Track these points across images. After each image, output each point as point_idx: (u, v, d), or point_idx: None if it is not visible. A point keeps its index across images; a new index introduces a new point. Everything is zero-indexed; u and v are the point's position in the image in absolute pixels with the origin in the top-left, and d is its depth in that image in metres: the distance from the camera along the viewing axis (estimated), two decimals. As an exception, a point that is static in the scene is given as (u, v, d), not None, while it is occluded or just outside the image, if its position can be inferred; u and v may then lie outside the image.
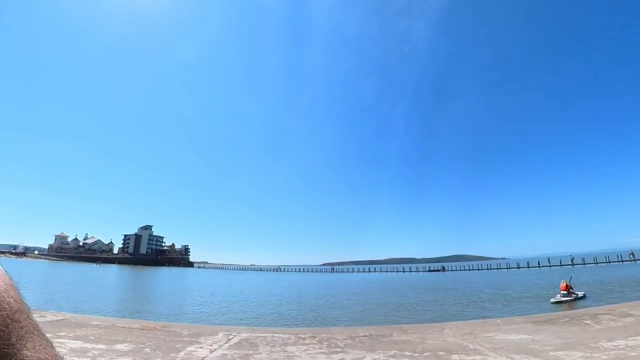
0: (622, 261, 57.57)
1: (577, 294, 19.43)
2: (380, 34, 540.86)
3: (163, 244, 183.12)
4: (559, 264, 61.22)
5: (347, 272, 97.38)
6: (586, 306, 13.31)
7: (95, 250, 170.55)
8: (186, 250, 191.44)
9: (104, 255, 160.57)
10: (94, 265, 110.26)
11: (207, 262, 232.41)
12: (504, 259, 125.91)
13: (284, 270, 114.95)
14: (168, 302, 25.27)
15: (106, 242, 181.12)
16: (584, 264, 58.73)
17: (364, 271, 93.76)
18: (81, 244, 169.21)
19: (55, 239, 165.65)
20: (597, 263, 58.78)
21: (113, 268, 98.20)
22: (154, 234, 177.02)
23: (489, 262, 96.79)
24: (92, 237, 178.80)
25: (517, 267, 67.77)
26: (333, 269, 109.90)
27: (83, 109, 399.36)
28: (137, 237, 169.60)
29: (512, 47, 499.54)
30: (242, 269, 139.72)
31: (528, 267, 65.65)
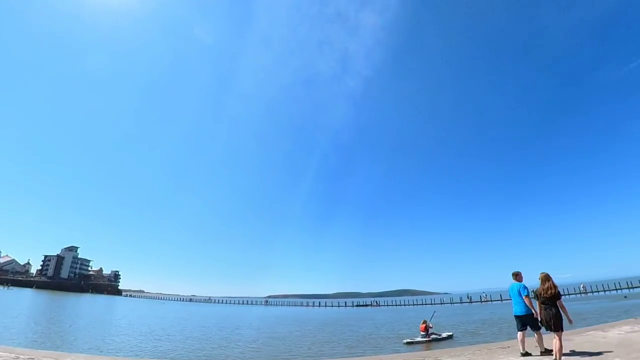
0: (569, 294, 57.09)
1: (438, 335, 18.10)
2: (304, 98, 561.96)
3: (89, 268, 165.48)
4: (490, 300, 61.95)
5: (279, 305, 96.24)
6: (441, 348, 12.83)
7: (7, 271, 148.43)
8: (116, 276, 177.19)
9: (18, 278, 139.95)
10: (1, 287, 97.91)
11: (143, 291, 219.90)
12: (447, 293, 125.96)
13: (215, 302, 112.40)
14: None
15: (22, 263, 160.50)
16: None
17: (294, 305, 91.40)
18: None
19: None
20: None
21: (26, 292, 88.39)
22: (79, 256, 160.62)
23: (432, 297, 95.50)
24: (7, 255, 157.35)
25: (451, 302, 66.16)
26: (267, 301, 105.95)
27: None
28: (59, 259, 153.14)
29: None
30: (182, 300, 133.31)
31: (470, 301, 65.28)
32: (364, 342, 18.71)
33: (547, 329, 6.66)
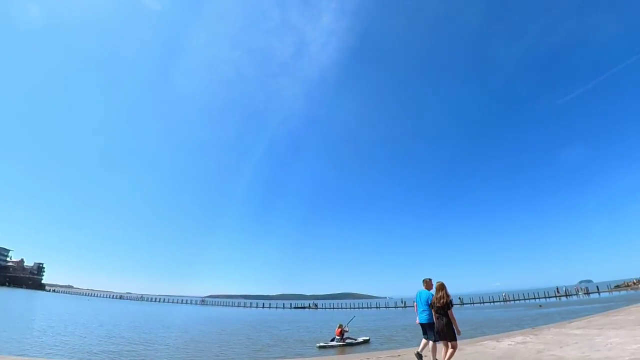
0: (493, 302, 60.68)
1: (354, 339, 17.65)
2: (256, 79, 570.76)
3: (7, 259, 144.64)
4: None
5: (216, 305, 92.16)
6: (356, 352, 12.64)
7: None
8: (39, 269, 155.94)
9: None
10: None
11: (72, 287, 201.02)
12: (386, 298, 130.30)
13: (148, 300, 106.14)
14: None
15: None
16: (462, 303, 61.50)
17: (233, 305, 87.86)
18: None
19: None
20: (462, 304, 61.42)
21: None
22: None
23: (370, 301, 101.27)
24: None
25: (386, 307, 68.49)
26: (204, 301, 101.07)
27: None
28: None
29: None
30: (113, 297, 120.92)
31: (405, 306, 66.03)
32: (277, 345, 17.83)
33: (437, 339, 6.40)
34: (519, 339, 9.11)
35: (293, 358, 12.93)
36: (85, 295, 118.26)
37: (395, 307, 66.81)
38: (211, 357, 13.84)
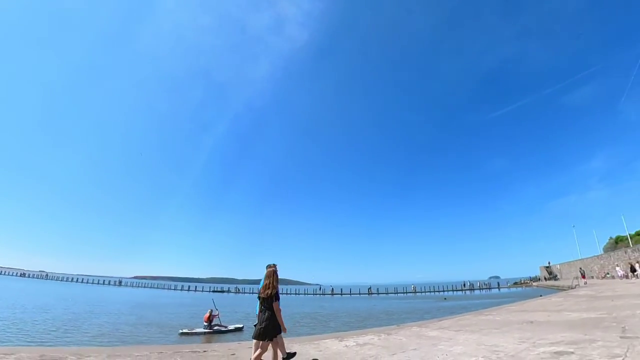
0: (406, 293, 63.29)
1: (224, 327, 16.37)
2: (225, 49, 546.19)
3: None
4: (349, 293, 65.12)
5: (135, 286, 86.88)
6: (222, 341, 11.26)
7: None
8: None
9: None
10: None
11: None
12: (318, 285, 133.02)
13: (54, 279, 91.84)
14: None
15: None
16: (378, 293, 64.33)
17: (153, 287, 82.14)
18: None
19: None
20: (370, 294, 63.74)
21: None
22: None
23: (298, 287, 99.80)
24: None
25: (314, 293, 68.96)
26: (121, 282, 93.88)
27: None
28: None
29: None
30: (10, 274, 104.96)
31: (331, 293, 66.79)
32: (136, 329, 15.84)
33: (254, 337, 4.96)
34: (367, 338, 7.70)
35: (133, 345, 11.10)
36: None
37: (322, 294, 67.09)
38: (47, 337, 12.21)
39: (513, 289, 58.49)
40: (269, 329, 4.78)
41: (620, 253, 36.50)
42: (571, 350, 4.97)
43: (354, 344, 7.07)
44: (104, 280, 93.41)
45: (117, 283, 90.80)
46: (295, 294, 67.84)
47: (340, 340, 7.53)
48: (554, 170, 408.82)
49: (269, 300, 4.90)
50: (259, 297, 5.13)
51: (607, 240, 49.18)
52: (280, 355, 5.13)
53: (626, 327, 6.63)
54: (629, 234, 41.10)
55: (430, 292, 62.75)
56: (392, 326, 10.50)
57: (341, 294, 64.65)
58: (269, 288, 4.95)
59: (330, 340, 7.67)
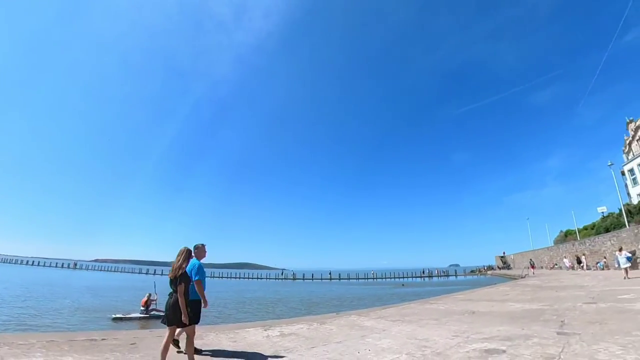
0: (367, 279, 64.26)
1: (162, 311, 13.81)
2: (188, 37, 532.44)
3: None
4: (312, 278, 65.27)
5: (91, 269, 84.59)
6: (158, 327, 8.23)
7: None
8: None
9: None
10: None
11: None
12: (284, 269, 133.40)
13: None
14: None
15: None
16: (339, 279, 64.07)
17: (110, 270, 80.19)
18: None
19: None
20: (348, 279, 64.18)
21: None
22: None
23: (262, 271, 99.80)
24: None
25: (275, 278, 68.13)
26: (76, 265, 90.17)
27: None
28: None
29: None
30: None
31: (292, 278, 66.63)
32: (68, 313, 14.76)
33: (165, 322, 4.25)
34: (295, 328, 6.92)
35: (56, 331, 10.05)
36: None
37: (285, 278, 66.86)
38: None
39: (469, 277, 61.08)
40: (176, 315, 4.04)
41: (568, 245, 38.57)
42: (503, 348, 4.39)
43: (278, 334, 6.26)
44: (57, 263, 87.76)
45: (72, 266, 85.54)
46: (258, 278, 67.22)
47: (265, 330, 6.69)
48: (514, 166, 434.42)
49: (175, 282, 4.11)
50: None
51: (558, 234, 52.04)
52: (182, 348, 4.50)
53: (565, 322, 6.28)
54: (577, 228, 43.48)
55: (390, 278, 64.20)
56: (331, 314, 9.83)
57: (303, 279, 64.62)
58: (178, 269, 4.16)
59: (255, 329, 6.80)
